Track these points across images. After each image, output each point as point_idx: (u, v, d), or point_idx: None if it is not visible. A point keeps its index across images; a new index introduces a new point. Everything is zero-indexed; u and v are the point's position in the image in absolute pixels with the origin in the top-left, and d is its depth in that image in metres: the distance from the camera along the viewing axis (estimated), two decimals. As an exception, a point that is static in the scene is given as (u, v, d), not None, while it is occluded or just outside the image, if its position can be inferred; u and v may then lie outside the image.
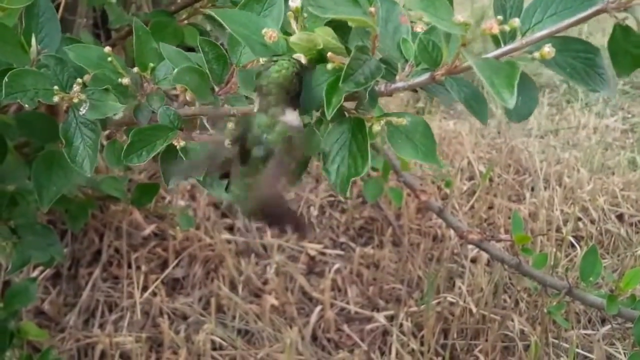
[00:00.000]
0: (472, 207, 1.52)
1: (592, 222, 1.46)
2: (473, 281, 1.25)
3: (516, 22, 0.36)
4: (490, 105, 0.34)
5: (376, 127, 0.41)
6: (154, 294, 1.23)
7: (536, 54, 0.36)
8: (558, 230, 1.41)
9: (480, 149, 1.75)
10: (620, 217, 1.49)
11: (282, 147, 0.40)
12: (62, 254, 0.77)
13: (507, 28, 0.35)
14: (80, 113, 0.46)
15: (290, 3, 0.40)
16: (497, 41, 0.39)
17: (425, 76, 0.40)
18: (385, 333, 1.20)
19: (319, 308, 1.22)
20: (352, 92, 0.39)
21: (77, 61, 0.46)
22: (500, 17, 0.35)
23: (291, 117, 0.40)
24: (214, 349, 1.14)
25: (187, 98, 0.44)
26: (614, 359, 1.12)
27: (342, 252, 1.38)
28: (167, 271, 1.27)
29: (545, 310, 1.03)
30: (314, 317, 1.20)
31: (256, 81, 0.41)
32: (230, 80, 0.45)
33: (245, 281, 1.27)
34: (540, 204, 1.47)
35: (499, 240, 0.97)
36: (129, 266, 1.27)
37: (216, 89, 0.45)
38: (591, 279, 0.84)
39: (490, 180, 1.61)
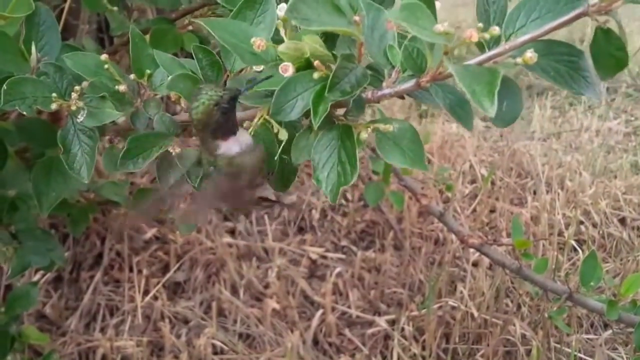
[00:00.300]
0: (474, 210, 1.52)
1: (594, 225, 1.45)
2: (475, 285, 1.25)
3: (496, 30, 0.36)
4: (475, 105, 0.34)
5: (363, 135, 0.41)
6: (155, 297, 1.23)
7: (519, 60, 0.36)
8: (560, 234, 1.41)
9: (482, 152, 1.74)
10: (622, 220, 1.49)
11: (232, 171, 0.43)
12: (63, 259, 0.78)
13: (487, 36, 0.35)
14: (78, 120, 0.47)
15: (278, 12, 0.40)
16: (481, 46, 0.39)
17: (411, 83, 0.40)
18: (387, 337, 1.20)
19: (320, 312, 1.22)
20: (339, 100, 0.39)
21: (74, 69, 0.47)
22: (480, 25, 0.35)
23: (226, 147, 0.42)
24: (215, 353, 1.15)
25: (182, 105, 0.45)
26: (616, 364, 1.12)
27: (343, 256, 1.39)
28: (168, 275, 1.28)
29: (547, 315, 1.03)
30: (315, 321, 1.20)
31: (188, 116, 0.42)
32: (225, 86, 0.45)
33: (246, 285, 1.27)
34: (542, 207, 1.47)
35: (500, 245, 0.97)
36: (130, 270, 1.27)
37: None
38: (592, 283, 0.83)
39: (492, 183, 1.61)
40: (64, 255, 0.80)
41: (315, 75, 0.39)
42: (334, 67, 0.38)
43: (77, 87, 0.47)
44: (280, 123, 0.42)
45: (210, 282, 1.29)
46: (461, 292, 1.24)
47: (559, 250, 1.36)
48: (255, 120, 0.42)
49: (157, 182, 0.47)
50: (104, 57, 0.47)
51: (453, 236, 1.34)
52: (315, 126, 0.38)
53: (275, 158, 0.43)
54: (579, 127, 1.94)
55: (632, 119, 2.05)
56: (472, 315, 1.20)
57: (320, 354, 1.17)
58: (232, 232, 1.41)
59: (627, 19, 2.14)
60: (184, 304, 1.24)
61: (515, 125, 1.76)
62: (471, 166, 1.66)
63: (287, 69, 0.39)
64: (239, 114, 0.44)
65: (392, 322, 1.22)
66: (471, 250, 1.30)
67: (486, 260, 1.28)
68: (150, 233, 1.34)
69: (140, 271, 1.27)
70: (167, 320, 1.19)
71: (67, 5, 0.88)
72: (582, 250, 1.36)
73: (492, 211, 1.52)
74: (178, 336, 1.17)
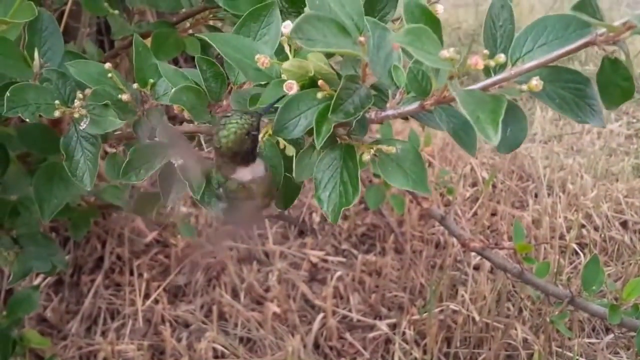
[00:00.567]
0: (475, 213, 1.52)
1: (596, 229, 1.45)
2: (476, 289, 1.25)
3: (502, 58, 0.35)
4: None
5: (366, 156, 0.41)
6: (156, 301, 1.23)
7: (524, 87, 0.35)
8: (561, 237, 1.41)
9: (483, 154, 1.74)
10: (624, 224, 1.48)
11: (241, 195, 0.43)
12: (64, 264, 0.78)
13: (492, 64, 0.35)
14: (81, 127, 0.47)
15: (283, 29, 0.40)
16: (487, 71, 0.38)
17: (415, 105, 0.40)
18: (388, 341, 1.20)
19: (321, 316, 1.22)
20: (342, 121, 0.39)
21: (77, 77, 0.47)
22: (486, 52, 0.35)
23: (242, 174, 0.42)
24: (216, 357, 1.14)
25: (186, 116, 0.45)
26: (618, 368, 1.11)
27: (344, 259, 1.38)
28: (169, 278, 1.28)
29: (548, 319, 1.03)
30: (316, 325, 1.20)
31: (213, 140, 0.42)
32: (228, 98, 0.45)
33: (247, 288, 1.27)
34: (544, 210, 1.47)
35: (502, 248, 0.97)
36: (131, 273, 1.27)
37: (214, 106, 0.45)
38: (593, 288, 0.83)
39: (493, 186, 1.60)
40: (65, 259, 0.80)
41: (319, 94, 0.39)
42: (338, 85, 0.38)
43: (80, 95, 0.47)
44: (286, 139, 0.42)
45: (211, 286, 1.29)
46: (462, 296, 1.23)
47: (561, 253, 1.36)
48: (261, 136, 0.42)
49: (158, 186, 0.47)
50: (107, 65, 0.47)
51: (454, 240, 1.33)
52: (318, 146, 0.38)
53: (281, 174, 0.43)
54: (581, 130, 1.94)
55: (634, 121, 2.05)
56: (473, 319, 1.19)
57: (321, 358, 1.16)
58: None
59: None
60: (184, 307, 1.24)
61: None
62: (472, 169, 1.65)
63: (292, 87, 0.39)
64: None
65: (393, 326, 1.22)
66: (472, 253, 1.30)
67: (487, 264, 1.28)
68: (150, 236, 1.34)
69: (141, 275, 1.27)
70: (167, 324, 1.19)
71: (67, 9, 0.88)
72: (584, 254, 1.35)
73: (494, 214, 1.52)
74: (179, 340, 1.16)
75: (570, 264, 1.34)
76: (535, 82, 0.35)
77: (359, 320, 1.24)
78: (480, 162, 1.69)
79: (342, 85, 0.38)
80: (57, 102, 0.47)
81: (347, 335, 1.21)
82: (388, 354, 1.17)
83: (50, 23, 0.54)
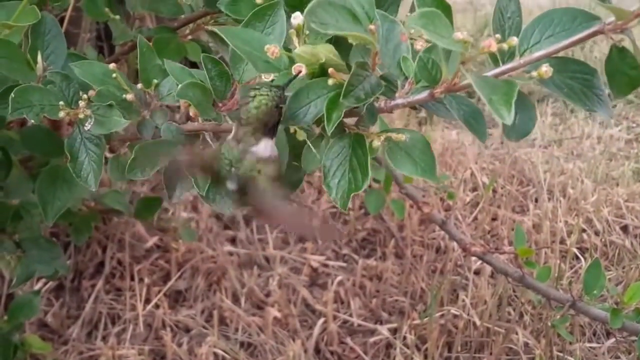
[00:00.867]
0: (476, 218, 1.52)
1: (597, 233, 1.45)
2: (477, 293, 1.25)
3: (514, 40, 0.36)
4: (492, 115, 0.34)
5: (376, 143, 0.41)
6: (157, 306, 1.23)
7: (534, 73, 0.36)
8: (562, 241, 1.41)
9: (483, 159, 1.74)
10: (624, 228, 1.49)
11: (253, 181, 0.42)
12: (66, 268, 0.78)
13: (505, 47, 0.35)
14: (86, 128, 0.47)
15: (293, 20, 0.40)
16: (495, 60, 0.39)
17: (424, 94, 0.40)
18: (389, 346, 1.19)
19: (321, 320, 1.22)
20: (352, 107, 0.39)
21: (82, 77, 0.47)
22: (498, 36, 0.35)
23: (264, 146, 0.41)
24: (217, 361, 1.14)
25: (191, 114, 0.45)
26: (619, 372, 1.11)
27: (344, 264, 1.38)
28: (169, 283, 1.27)
29: (549, 324, 1.03)
30: (317, 330, 1.20)
31: (236, 113, 0.42)
32: (233, 97, 0.45)
33: (247, 293, 1.27)
34: (544, 215, 1.47)
35: (503, 253, 0.97)
36: (132, 278, 1.27)
37: (219, 104, 0.45)
38: (595, 292, 0.83)
39: (494, 191, 1.61)
40: (66, 263, 0.80)
41: (330, 82, 0.40)
42: (347, 75, 0.39)
43: (84, 96, 0.47)
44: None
45: (212, 291, 1.28)
46: (463, 301, 1.23)
47: (561, 258, 1.36)
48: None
49: (159, 189, 0.47)
50: (112, 66, 0.47)
51: (455, 244, 1.33)
52: (329, 132, 0.38)
53: (284, 161, 0.43)
54: (581, 134, 1.94)
55: (634, 125, 2.05)
56: (474, 323, 1.19)
57: (322, 363, 1.16)
58: (232, 241, 1.41)
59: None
60: (185, 312, 1.24)
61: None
62: (472, 174, 1.66)
63: (301, 70, 0.39)
64: None
65: (394, 331, 1.22)
66: (473, 258, 1.30)
67: (488, 269, 1.28)
68: (151, 241, 1.34)
69: (141, 280, 1.26)
70: (168, 329, 1.19)
71: (68, 14, 0.88)
72: (585, 259, 1.35)
73: (494, 219, 1.52)
74: (179, 345, 1.16)
75: (571, 268, 1.34)
76: (545, 69, 0.35)
77: (359, 325, 1.24)
78: (480, 167, 1.69)
79: (353, 71, 0.38)
80: (61, 103, 0.47)
81: (348, 340, 1.20)
82: (389, 359, 1.17)
83: (53, 26, 0.55)
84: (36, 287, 1.17)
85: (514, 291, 1.26)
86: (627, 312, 0.83)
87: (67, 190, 0.56)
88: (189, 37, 0.80)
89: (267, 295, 1.28)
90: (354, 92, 0.38)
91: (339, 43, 0.41)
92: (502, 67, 0.38)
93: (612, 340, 1.15)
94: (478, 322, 1.18)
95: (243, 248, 1.38)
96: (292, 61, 0.41)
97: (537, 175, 1.65)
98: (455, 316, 1.21)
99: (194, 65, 0.56)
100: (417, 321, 1.21)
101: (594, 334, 1.20)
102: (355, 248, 1.44)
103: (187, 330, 1.21)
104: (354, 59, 0.42)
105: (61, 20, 0.90)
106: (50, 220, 0.55)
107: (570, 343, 1.14)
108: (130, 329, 1.18)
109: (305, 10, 0.35)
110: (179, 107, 0.49)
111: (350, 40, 0.40)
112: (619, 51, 0.37)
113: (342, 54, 0.42)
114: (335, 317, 1.23)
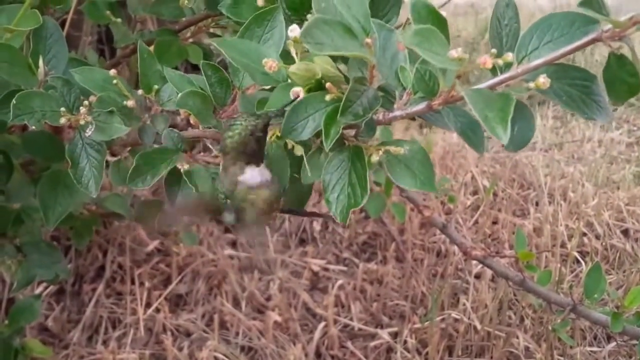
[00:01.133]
0: (476, 222, 1.52)
1: (597, 237, 1.45)
2: (477, 297, 1.25)
3: (510, 56, 0.35)
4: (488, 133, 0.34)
5: (375, 157, 0.41)
6: (158, 310, 1.23)
7: (532, 84, 0.36)
8: (563, 245, 1.41)
9: (483, 163, 1.74)
10: (625, 232, 1.48)
11: (247, 210, 0.43)
12: (67, 272, 0.78)
13: (500, 62, 0.35)
14: (87, 134, 0.47)
15: (289, 33, 0.40)
16: (493, 69, 0.39)
17: (422, 105, 0.40)
18: (390, 350, 1.19)
19: (322, 324, 1.21)
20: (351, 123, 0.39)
21: (83, 83, 0.47)
22: (494, 51, 0.35)
23: (250, 174, 0.42)
24: (217, 365, 1.14)
25: (191, 122, 0.45)
26: (620, 376, 1.11)
27: (345, 268, 1.38)
28: (170, 287, 1.27)
29: (550, 328, 1.02)
30: (317, 334, 1.19)
31: (221, 144, 0.43)
32: (233, 103, 0.45)
33: (248, 297, 1.27)
34: (545, 219, 1.47)
35: (503, 257, 0.97)
36: (132, 282, 1.27)
37: (219, 111, 0.45)
38: (595, 296, 0.83)
39: (494, 194, 1.61)
40: (67, 267, 0.80)
41: (327, 97, 0.40)
42: (345, 87, 0.39)
43: (85, 102, 0.47)
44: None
45: (212, 295, 1.28)
46: (464, 305, 1.23)
47: (562, 262, 1.36)
48: (268, 138, 0.43)
49: (160, 193, 0.47)
50: (112, 72, 0.47)
51: (455, 248, 1.33)
52: (327, 148, 0.38)
53: (287, 177, 0.43)
54: (581, 138, 1.95)
55: (635, 129, 2.05)
56: (475, 327, 1.19)
57: (323, 367, 1.16)
58: (233, 244, 1.41)
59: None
60: (186, 316, 1.24)
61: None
62: (473, 177, 1.66)
63: (298, 94, 0.40)
64: None
65: (394, 335, 1.21)
66: (473, 262, 1.30)
67: (489, 272, 1.27)
68: (152, 245, 1.34)
69: (142, 284, 1.26)
70: (169, 333, 1.19)
71: (69, 17, 0.88)
72: (585, 262, 1.35)
73: (495, 223, 1.52)
74: (180, 349, 1.16)
75: (572, 272, 1.34)
76: (543, 80, 0.35)
77: (360, 329, 1.24)
78: (481, 171, 1.69)
79: (350, 87, 0.38)
80: (62, 109, 0.47)
81: (349, 344, 1.20)
82: (390, 363, 1.17)
83: (54, 31, 0.54)
84: (37, 291, 1.17)
85: (514, 295, 1.26)
86: (627, 315, 0.83)
87: (68, 195, 0.56)
88: (190, 39, 0.80)
89: (268, 299, 1.28)
90: (351, 109, 0.38)
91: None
92: (500, 77, 0.37)
93: (613, 344, 1.15)
94: (479, 326, 1.18)
95: (244, 252, 1.38)
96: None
97: (537, 179, 1.65)
98: (456, 320, 1.21)
99: (195, 67, 0.55)
100: (418, 325, 1.21)
101: (595, 338, 1.20)
102: (355, 252, 1.44)
103: (188, 334, 1.20)
104: (352, 71, 0.42)
105: (62, 23, 0.91)
106: (51, 225, 0.55)
107: (571, 347, 1.14)
108: (131, 333, 1.18)
109: (301, 32, 0.35)
110: (179, 111, 0.49)
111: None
112: (618, 59, 0.37)
113: (344, 59, 0.42)
114: (335, 321, 1.23)
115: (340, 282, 1.31)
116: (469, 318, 1.20)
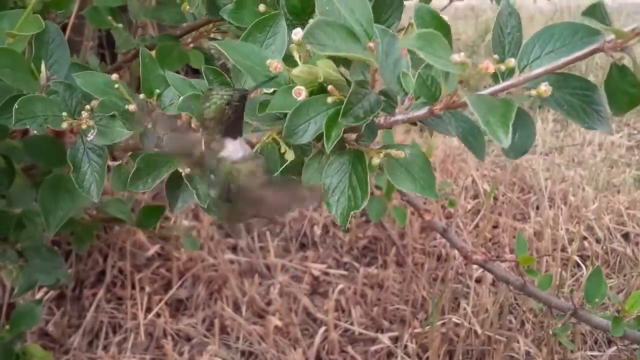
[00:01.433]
0: (477, 226, 1.52)
1: (598, 241, 1.45)
2: (478, 302, 1.25)
3: (512, 62, 0.36)
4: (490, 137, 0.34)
5: (375, 160, 0.41)
6: (158, 315, 1.23)
7: (533, 92, 0.36)
8: (563, 249, 1.41)
9: (484, 166, 1.75)
10: (626, 236, 1.48)
11: (233, 184, 0.41)
12: (68, 277, 0.78)
13: (502, 68, 0.35)
14: (88, 139, 0.47)
15: (293, 36, 0.40)
16: (495, 77, 0.39)
17: (424, 110, 0.40)
18: (390, 354, 1.19)
19: (323, 329, 1.21)
20: (352, 125, 0.39)
21: (84, 88, 0.47)
22: (496, 57, 0.35)
23: (232, 147, 0.41)
24: (218, 370, 1.14)
25: (193, 125, 0.45)
26: (622, 381, 1.11)
27: (345, 272, 1.38)
28: (170, 292, 1.27)
29: (551, 332, 1.02)
30: (318, 338, 1.19)
31: (198, 117, 0.42)
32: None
33: (248, 302, 1.27)
34: (545, 222, 1.47)
35: (504, 261, 0.97)
36: (133, 287, 1.27)
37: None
38: (596, 300, 0.83)
39: (495, 198, 1.61)
40: (68, 272, 0.80)
41: (329, 99, 0.40)
42: (347, 91, 0.39)
43: (87, 106, 0.47)
44: (288, 144, 0.42)
45: (213, 299, 1.28)
46: (464, 309, 1.23)
47: (563, 266, 1.35)
48: (264, 138, 0.43)
49: (161, 197, 0.47)
50: (114, 76, 0.47)
51: (456, 252, 1.33)
52: (328, 150, 0.38)
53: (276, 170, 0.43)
54: (582, 141, 1.95)
55: (635, 132, 2.05)
56: (475, 332, 1.19)
57: (324, 372, 1.16)
58: (233, 249, 1.41)
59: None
60: (186, 321, 1.23)
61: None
62: (473, 181, 1.66)
63: (301, 93, 0.40)
64: (246, 135, 0.44)
65: (395, 339, 1.21)
66: (474, 266, 1.30)
67: (489, 277, 1.27)
68: (152, 250, 1.34)
69: (142, 288, 1.26)
70: (169, 338, 1.19)
71: (70, 22, 0.88)
72: (586, 266, 1.35)
73: (495, 227, 1.52)
74: (180, 354, 1.16)
75: (572, 276, 1.34)
76: (544, 88, 0.35)
77: (360, 334, 1.24)
78: (481, 175, 1.69)
79: (352, 90, 0.38)
80: (64, 113, 0.47)
81: (349, 348, 1.20)
82: (391, 367, 1.17)
83: (56, 35, 0.55)
84: (37, 296, 1.17)
85: (515, 299, 1.26)
86: (628, 320, 0.83)
87: (69, 200, 0.56)
88: (192, 44, 0.80)
89: (268, 303, 1.28)
90: (353, 111, 0.39)
91: (340, 57, 0.41)
92: (502, 84, 0.38)
93: (614, 348, 1.14)
94: (479, 331, 1.18)
95: (244, 256, 1.38)
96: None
97: (538, 183, 1.65)
98: (456, 324, 1.21)
99: (196, 72, 0.56)
100: (419, 330, 1.21)
101: (596, 342, 1.20)
102: (356, 256, 1.44)
103: (188, 339, 1.20)
104: (354, 74, 0.42)
105: (63, 28, 0.91)
106: (52, 230, 0.55)
107: (572, 351, 1.14)
108: (132, 338, 1.18)
109: (304, 32, 0.35)
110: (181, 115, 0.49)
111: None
112: (619, 69, 0.37)
113: (346, 63, 0.42)
114: (336, 326, 1.23)
115: (340, 286, 1.31)
116: (469, 322, 1.20)
